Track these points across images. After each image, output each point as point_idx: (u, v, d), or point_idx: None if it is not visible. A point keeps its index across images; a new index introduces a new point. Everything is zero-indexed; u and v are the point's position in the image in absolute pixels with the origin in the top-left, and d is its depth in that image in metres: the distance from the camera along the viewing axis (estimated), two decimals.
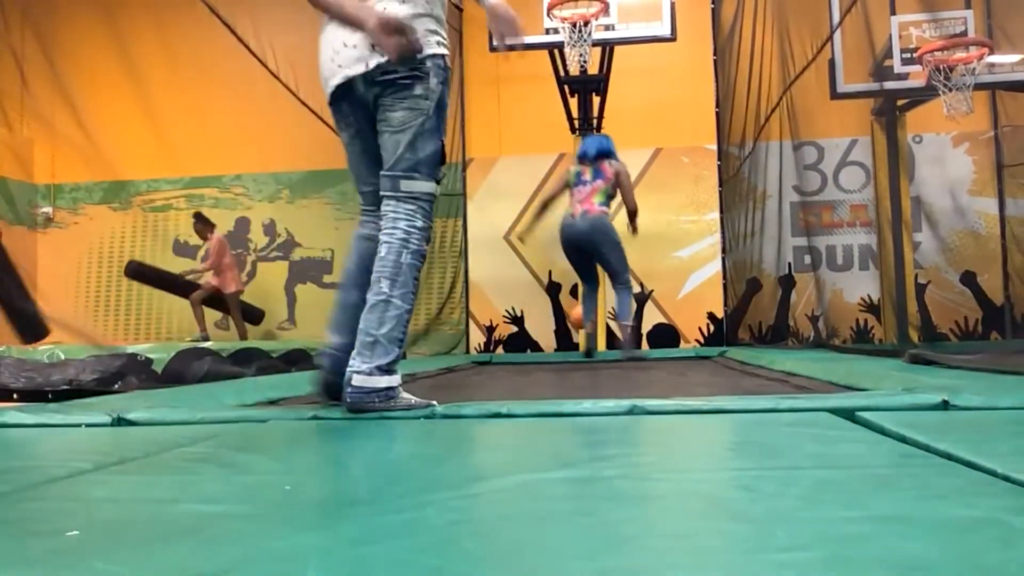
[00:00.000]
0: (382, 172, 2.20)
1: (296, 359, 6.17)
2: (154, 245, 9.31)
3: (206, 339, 7.77)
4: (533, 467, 1.44)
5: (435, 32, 2.19)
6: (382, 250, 2.13)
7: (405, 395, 2.12)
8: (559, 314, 8.02)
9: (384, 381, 2.07)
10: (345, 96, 2.22)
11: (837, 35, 7.36)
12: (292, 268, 9.30)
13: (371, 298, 2.11)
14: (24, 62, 9.08)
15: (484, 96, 8.48)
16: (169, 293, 8.39)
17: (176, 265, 8.81)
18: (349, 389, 2.07)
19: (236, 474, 1.35)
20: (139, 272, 8.21)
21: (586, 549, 0.84)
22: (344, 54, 2.17)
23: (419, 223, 2.16)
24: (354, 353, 2.10)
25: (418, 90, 2.13)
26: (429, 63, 2.15)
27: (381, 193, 2.20)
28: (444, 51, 2.20)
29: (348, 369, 2.08)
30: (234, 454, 1.59)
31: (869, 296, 8.30)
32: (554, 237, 6.28)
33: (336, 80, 2.20)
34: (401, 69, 2.12)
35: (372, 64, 2.13)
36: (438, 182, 2.21)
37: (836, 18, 7.35)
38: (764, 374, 4.49)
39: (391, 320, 2.08)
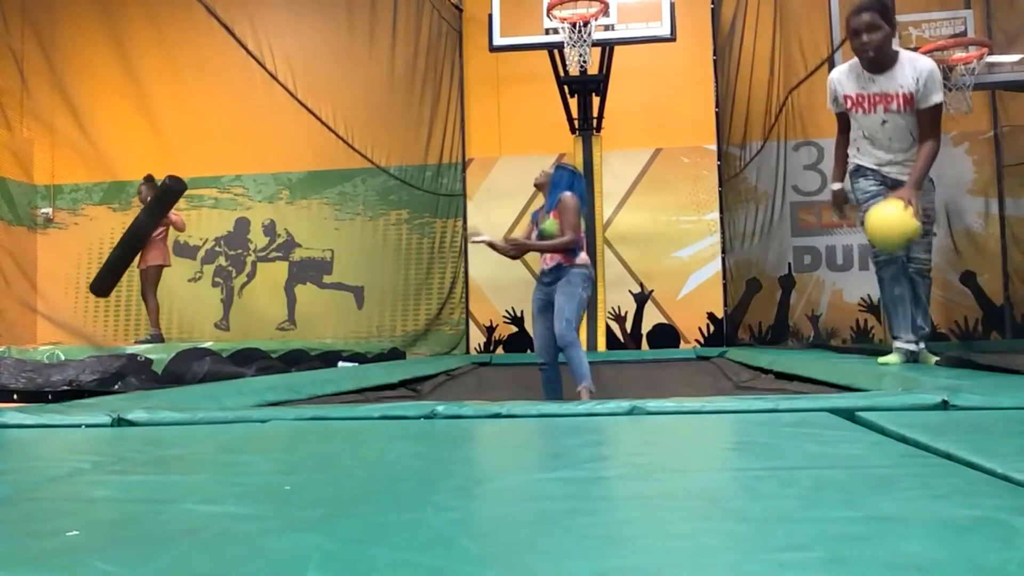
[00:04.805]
0: None
1: (296, 359, 6.13)
2: None
3: (160, 338, 7.11)
4: (533, 467, 1.44)
5: None
6: None
7: None
8: None
9: None
10: None
11: (836, 35, 7.35)
12: (292, 268, 9.29)
13: None
14: (24, 62, 9.09)
15: (484, 96, 8.48)
16: (134, 254, 7.21)
17: (177, 264, 8.77)
18: None
19: (236, 474, 1.34)
20: (101, 283, 7.31)
21: (586, 549, 0.84)
22: None
23: None
24: None
25: None
26: None
27: None
28: None
29: None
30: (234, 454, 1.59)
31: (869, 296, 8.29)
32: None
33: None
34: None
35: None
36: None
37: (836, 18, 7.33)
38: (764, 374, 4.48)
39: None
